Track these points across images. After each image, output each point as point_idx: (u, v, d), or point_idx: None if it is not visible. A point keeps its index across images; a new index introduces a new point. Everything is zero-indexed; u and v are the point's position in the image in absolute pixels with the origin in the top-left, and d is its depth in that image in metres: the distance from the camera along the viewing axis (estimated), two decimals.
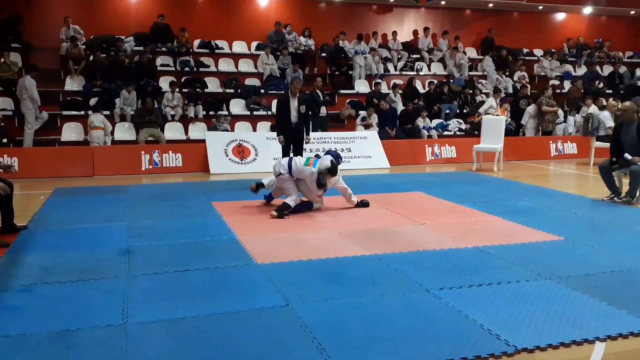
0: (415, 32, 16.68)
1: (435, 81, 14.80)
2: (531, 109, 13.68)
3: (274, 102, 13.43)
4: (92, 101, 11.99)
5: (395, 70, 15.47)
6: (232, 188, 8.82)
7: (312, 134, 10.62)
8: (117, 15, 14.17)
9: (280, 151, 8.55)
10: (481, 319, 3.63)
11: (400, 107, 13.51)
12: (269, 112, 13.12)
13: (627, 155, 7.29)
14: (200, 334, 3.44)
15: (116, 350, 3.21)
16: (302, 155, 8.36)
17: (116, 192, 8.42)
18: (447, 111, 14.06)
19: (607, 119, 11.54)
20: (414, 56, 15.99)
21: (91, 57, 12.83)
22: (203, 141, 11.12)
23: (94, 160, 10.33)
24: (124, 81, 12.15)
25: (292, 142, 8.48)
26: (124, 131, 11.83)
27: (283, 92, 13.67)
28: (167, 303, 3.91)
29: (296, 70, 13.67)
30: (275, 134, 8.88)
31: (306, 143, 8.65)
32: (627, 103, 7.84)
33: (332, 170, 6.85)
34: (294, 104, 8.39)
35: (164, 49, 13.88)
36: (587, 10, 17.66)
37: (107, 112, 11.76)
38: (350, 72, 14.71)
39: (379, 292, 4.14)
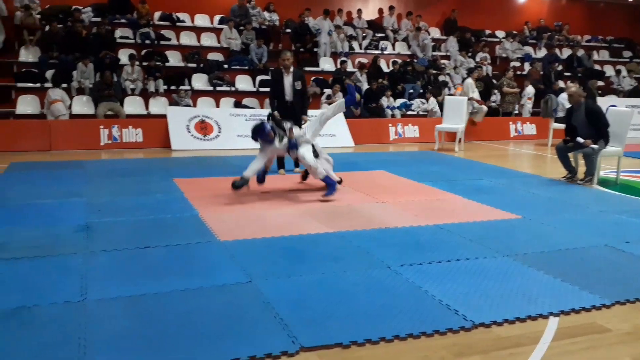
0: (380, 11, 16.63)
1: (399, 60, 14.83)
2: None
3: (238, 78, 13.28)
4: (49, 73, 11.58)
5: (360, 48, 15.42)
6: (194, 165, 8.71)
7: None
8: None
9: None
10: (440, 295, 3.70)
11: (365, 86, 13.51)
12: (233, 88, 12.93)
13: (579, 139, 7.49)
14: (160, 310, 3.40)
15: (74, 327, 3.15)
16: None
17: (74, 167, 8.21)
18: (411, 91, 14.12)
19: (565, 101, 11.75)
20: (379, 35, 15.95)
21: (47, 27, 12.35)
22: (164, 116, 10.90)
23: (51, 134, 10.03)
24: (82, 53, 11.77)
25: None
26: (82, 105, 11.47)
27: (247, 67, 13.52)
28: (127, 280, 3.85)
29: (260, 46, 13.49)
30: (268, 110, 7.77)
31: (303, 123, 7.50)
32: (573, 88, 7.97)
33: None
34: (288, 79, 7.60)
35: (123, 20, 13.46)
36: None
37: (65, 85, 11.39)
38: (315, 49, 14.61)
39: (341, 268, 4.17)
